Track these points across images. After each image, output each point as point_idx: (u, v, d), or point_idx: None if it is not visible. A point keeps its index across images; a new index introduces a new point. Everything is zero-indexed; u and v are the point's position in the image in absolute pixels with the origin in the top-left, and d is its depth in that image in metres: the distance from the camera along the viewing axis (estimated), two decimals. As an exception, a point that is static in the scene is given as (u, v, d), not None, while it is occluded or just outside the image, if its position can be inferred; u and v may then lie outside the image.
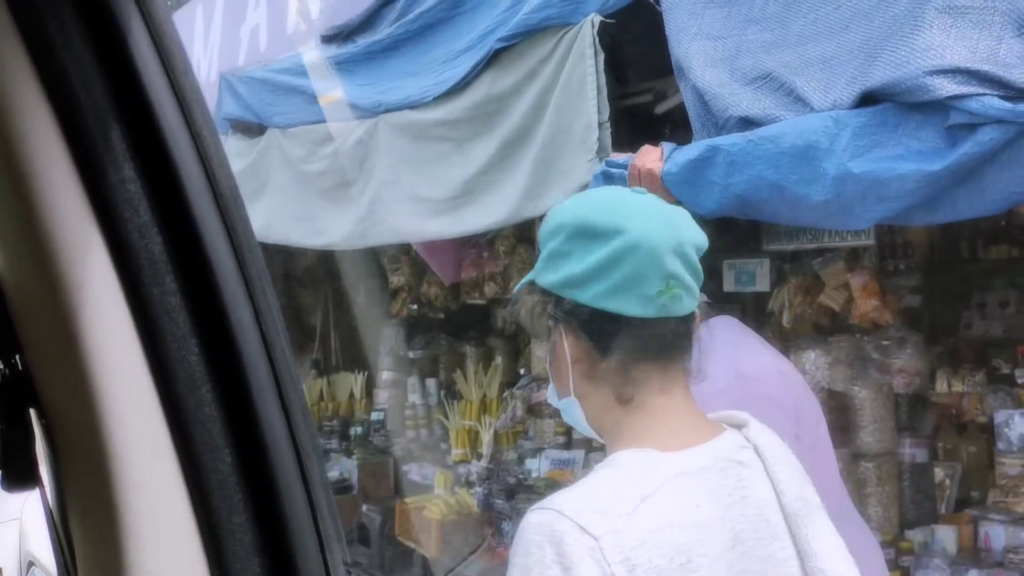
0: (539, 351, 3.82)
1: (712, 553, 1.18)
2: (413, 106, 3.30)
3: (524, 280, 1.36)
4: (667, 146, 2.07)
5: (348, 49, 3.61)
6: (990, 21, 1.57)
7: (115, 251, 0.61)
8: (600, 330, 1.26)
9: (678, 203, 2.04)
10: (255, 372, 0.63)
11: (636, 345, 1.26)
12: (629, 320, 1.24)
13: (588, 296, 1.25)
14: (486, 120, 3.02)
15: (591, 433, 1.37)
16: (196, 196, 0.63)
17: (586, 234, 1.26)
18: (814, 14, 1.85)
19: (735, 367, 1.89)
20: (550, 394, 1.40)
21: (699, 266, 1.28)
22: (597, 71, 2.59)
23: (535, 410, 4.39)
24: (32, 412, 0.65)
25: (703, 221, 2.06)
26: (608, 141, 2.56)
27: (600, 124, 2.58)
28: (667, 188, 2.00)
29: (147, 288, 0.61)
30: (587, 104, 2.60)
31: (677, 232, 1.26)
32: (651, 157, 2.05)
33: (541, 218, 1.42)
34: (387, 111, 3.41)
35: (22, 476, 0.64)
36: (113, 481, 0.60)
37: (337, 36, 3.72)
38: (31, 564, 1.50)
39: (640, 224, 1.24)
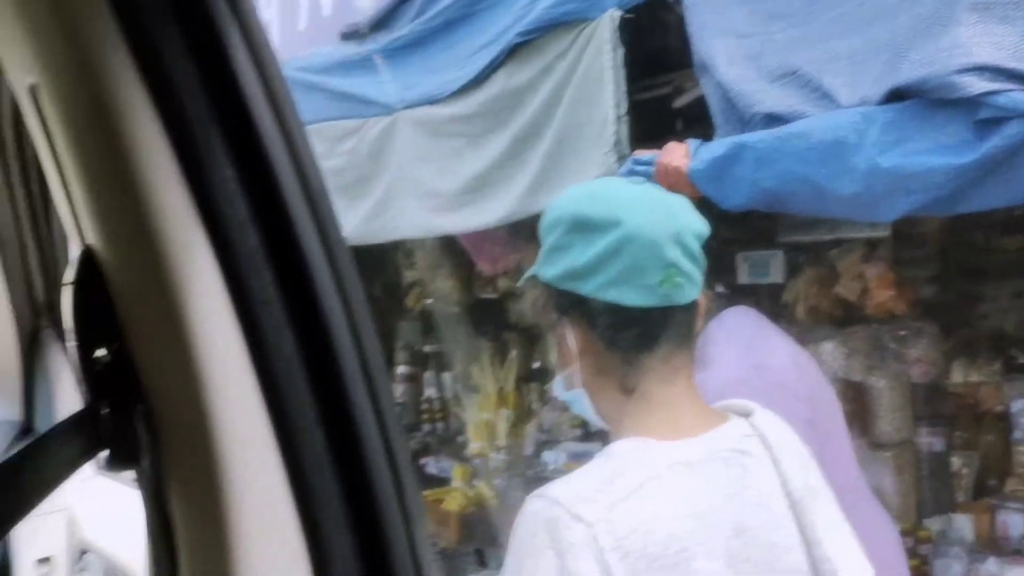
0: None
1: (711, 542, 1.18)
2: (432, 102, 3.33)
3: (527, 274, 1.37)
4: (692, 143, 2.10)
5: (368, 46, 3.64)
6: (1014, 16, 1.60)
7: (217, 246, 0.64)
8: (603, 321, 1.27)
9: (703, 199, 2.07)
10: (346, 359, 0.66)
11: (639, 335, 1.27)
12: (632, 310, 1.25)
13: (589, 288, 1.26)
14: (500, 115, 3.04)
15: (601, 423, 1.38)
16: (290, 193, 0.66)
17: (584, 227, 1.26)
18: (838, 10, 1.88)
19: (752, 356, 1.93)
20: (556, 386, 1.41)
21: (700, 254, 1.28)
22: (615, 66, 2.61)
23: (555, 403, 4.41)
24: (133, 397, 0.68)
25: (719, 213, 2.10)
26: (625, 135, 2.58)
27: (618, 118, 2.59)
28: (694, 184, 2.03)
29: (246, 280, 0.65)
30: (604, 98, 2.61)
31: (675, 221, 1.26)
32: (677, 154, 2.08)
33: None
34: (407, 107, 3.44)
35: (125, 457, 0.68)
36: (216, 467, 0.63)
37: (356, 34, 3.75)
38: (83, 552, 1.54)
39: (637, 215, 1.24)
